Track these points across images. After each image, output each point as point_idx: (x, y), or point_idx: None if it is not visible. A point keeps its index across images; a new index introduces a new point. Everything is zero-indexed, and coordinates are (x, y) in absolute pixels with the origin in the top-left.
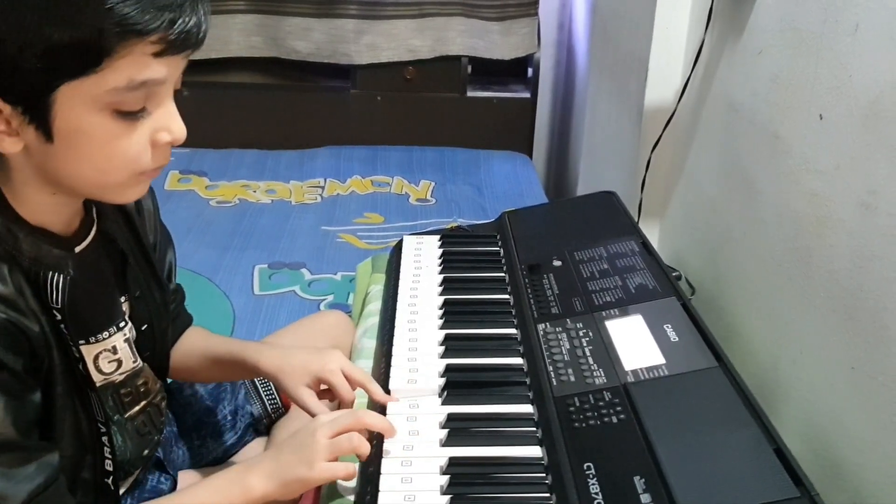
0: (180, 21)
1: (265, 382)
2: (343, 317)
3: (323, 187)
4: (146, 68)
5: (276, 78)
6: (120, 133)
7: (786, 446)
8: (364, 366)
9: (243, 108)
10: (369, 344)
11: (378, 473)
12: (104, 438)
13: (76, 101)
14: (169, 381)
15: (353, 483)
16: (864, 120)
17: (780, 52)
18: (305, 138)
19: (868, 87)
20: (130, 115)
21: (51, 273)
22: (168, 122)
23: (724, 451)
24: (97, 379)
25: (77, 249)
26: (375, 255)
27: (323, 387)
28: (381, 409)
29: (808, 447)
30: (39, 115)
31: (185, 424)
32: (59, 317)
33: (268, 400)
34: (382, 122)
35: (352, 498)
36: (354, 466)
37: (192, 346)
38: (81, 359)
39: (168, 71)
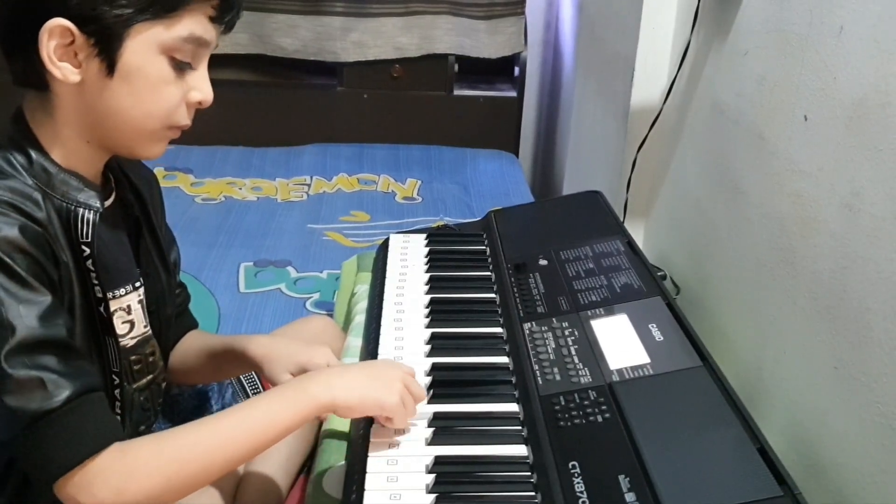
0: None
1: (252, 381)
2: (330, 322)
3: (309, 185)
4: (202, 27)
5: (263, 75)
6: (169, 80)
7: (769, 445)
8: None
9: (229, 105)
10: (356, 342)
11: (364, 472)
12: (116, 392)
13: (145, 41)
14: None
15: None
16: (848, 122)
17: (766, 53)
18: (292, 136)
19: (852, 89)
20: (180, 66)
21: (81, 209)
22: (202, 83)
23: (709, 450)
24: None
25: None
26: (361, 253)
27: None
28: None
29: (791, 446)
30: (109, 49)
31: (171, 423)
32: (86, 251)
33: None
34: (369, 120)
35: (338, 496)
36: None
37: (191, 345)
38: (103, 300)
39: (212, 37)
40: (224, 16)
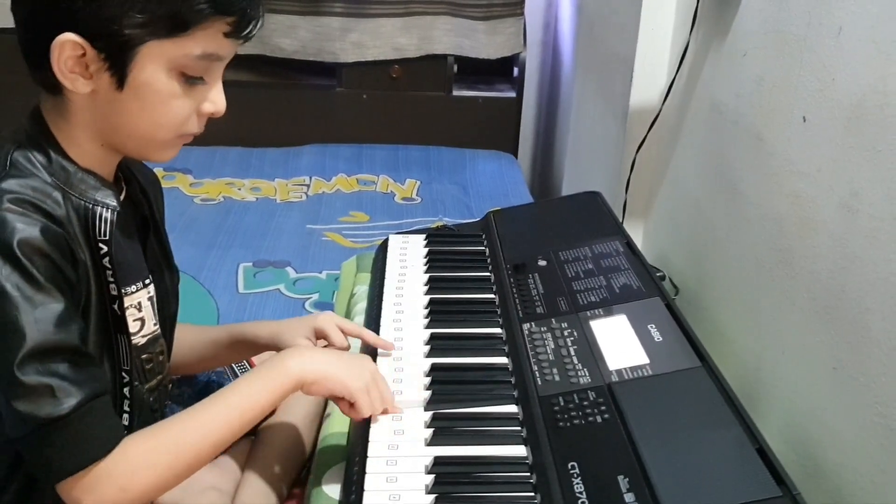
0: (249, 11)
1: None
2: None
3: (308, 185)
4: (216, 44)
5: (262, 75)
6: (179, 94)
7: (768, 446)
8: (352, 343)
9: (228, 106)
10: (355, 343)
11: (363, 473)
12: (125, 390)
13: (155, 58)
14: None
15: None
16: (847, 123)
17: (765, 54)
18: (291, 136)
19: (851, 90)
20: (191, 81)
21: (99, 208)
22: (215, 95)
23: (708, 450)
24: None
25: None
26: (360, 253)
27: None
28: (373, 354)
29: (789, 447)
30: (120, 64)
31: None
32: (104, 249)
33: None
34: (368, 121)
35: (337, 497)
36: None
37: (185, 338)
38: (119, 297)
39: (228, 51)
40: (241, 31)
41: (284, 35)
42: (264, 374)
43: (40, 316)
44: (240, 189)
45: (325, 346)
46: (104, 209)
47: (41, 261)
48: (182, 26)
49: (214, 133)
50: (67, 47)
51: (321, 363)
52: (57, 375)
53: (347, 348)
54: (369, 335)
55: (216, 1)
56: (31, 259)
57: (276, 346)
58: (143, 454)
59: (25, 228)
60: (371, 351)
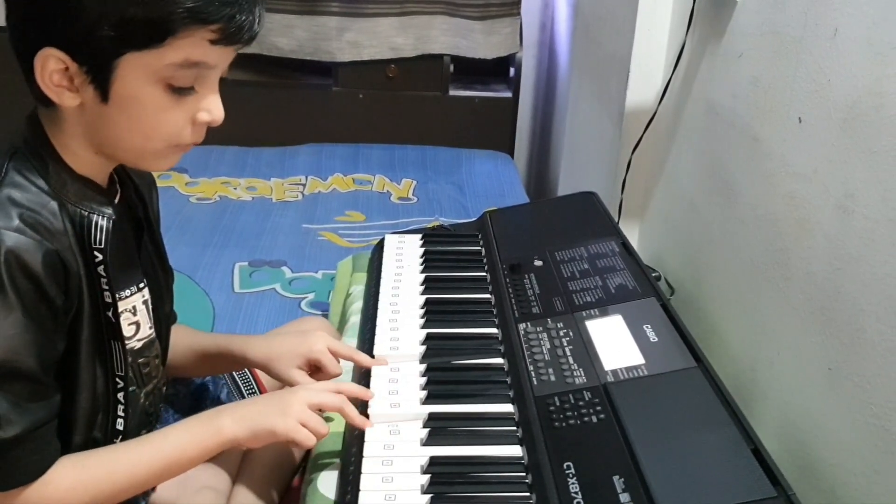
0: (238, 17)
1: (247, 380)
2: (325, 323)
3: (304, 185)
4: (202, 52)
5: (258, 74)
6: (167, 106)
7: (763, 446)
8: (345, 364)
9: (224, 105)
10: (351, 343)
11: (359, 473)
12: (120, 395)
13: (136, 70)
14: None
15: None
16: (843, 124)
17: (760, 55)
18: (287, 135)
19: (846, 92)
20: (179, 91)
21: (95, 216)
22: (210, 104)
23: (703, 450)
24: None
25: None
26: (356, 253)
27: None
28: (367, 375)
29: (785, 447)
30: (101, 77)
31: (167, 423)
32: (98, 257)
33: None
34: (364, 120)
35: (333, 496)
36: (314, 438)
37: (177, 341)
38: (113, 304)
39: (219, 58)
40: (230, 38)
41: (281, 34)
42: (200, 429)
43: (4, 335)
44: (236, 188)
45: (317, 373)
46: (100, 217)
47: (24, 282)
48: (158, 37)
49: (210, 132)
50: (50, 62)
51: (250, 421)
52: (6, 401)
53: (339, 374)
54: (362, 358)
55: (194, 10)
56: (13, 275)
57: (268, 372)
58: (68, 487)
59: (28, 249)
60: (366, 369)
